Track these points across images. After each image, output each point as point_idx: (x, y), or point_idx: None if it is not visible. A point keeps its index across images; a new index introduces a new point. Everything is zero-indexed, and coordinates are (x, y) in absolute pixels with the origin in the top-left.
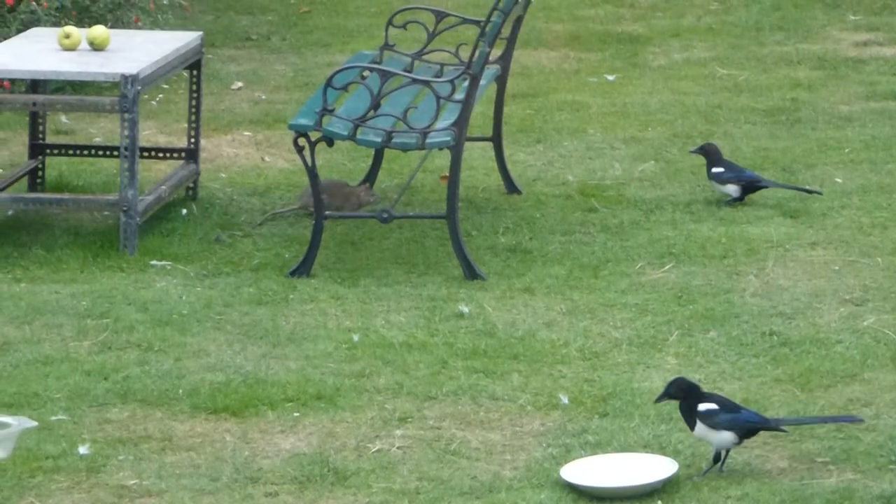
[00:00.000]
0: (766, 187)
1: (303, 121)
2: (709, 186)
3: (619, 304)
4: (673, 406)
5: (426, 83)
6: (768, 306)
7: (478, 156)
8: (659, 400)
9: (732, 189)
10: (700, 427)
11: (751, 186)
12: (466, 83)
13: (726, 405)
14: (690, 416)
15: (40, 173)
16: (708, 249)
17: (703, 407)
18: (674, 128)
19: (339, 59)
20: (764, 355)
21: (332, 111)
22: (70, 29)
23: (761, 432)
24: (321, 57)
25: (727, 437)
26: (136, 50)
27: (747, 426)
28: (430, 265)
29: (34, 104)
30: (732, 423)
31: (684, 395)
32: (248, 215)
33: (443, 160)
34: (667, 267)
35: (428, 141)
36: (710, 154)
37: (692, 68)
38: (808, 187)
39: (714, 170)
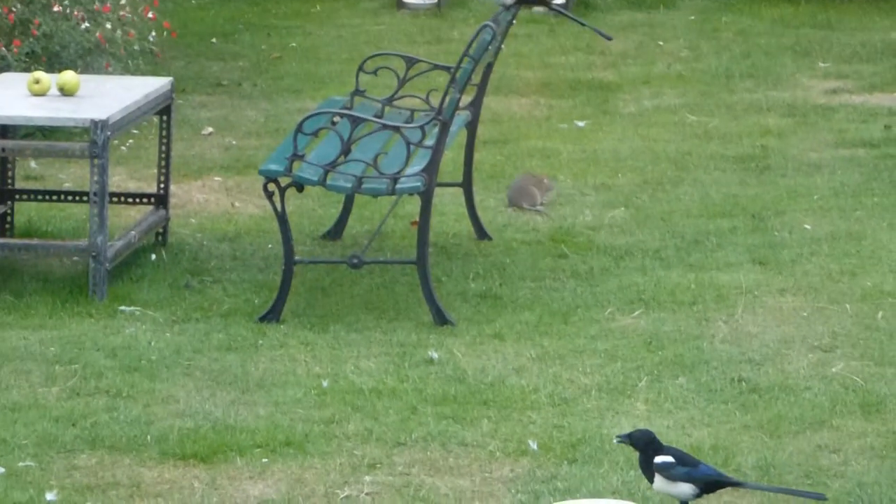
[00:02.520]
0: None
1: (273, 166)
2: (680, 232)
3: (589, 350)
4: None
5: (396, 129)
6: (737, 353)
7: (448, 201)
8: (620, 439)
9: (687, 489)
10: (658, 480)
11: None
12: (437, 129)
13: (683, 459)
14: (649, 470)
15: (9, 218)
16: (677, 296)
17: (658, 459)
18: (644, 174)
19: (310, 104)
20: (733, 401)
21: (302, 157)
22: (40, 74)
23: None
24: (292, 103)
25: (686, 489)
26: (107, 95)
27: (704, 479)
28: (399, 311)
29: (3, 149)
30: (688, 475)
31: (643, 447)
32: (217, 261)
33: (413, 206)
34: (636, 313)
35: (398, 186)
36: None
37: (662, 115)
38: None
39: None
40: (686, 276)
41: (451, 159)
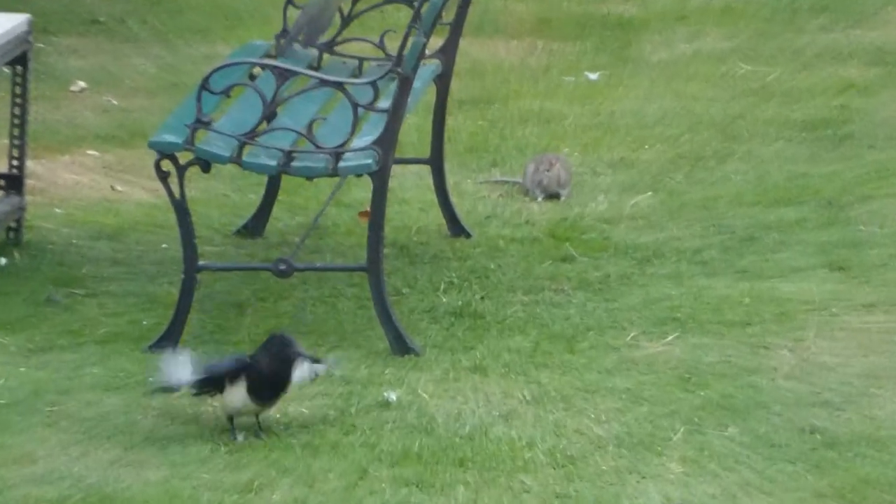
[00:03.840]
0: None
1: (169, 137)
2: (728, 226)
3: (604, 390)
4: None
5: (339, 86)
6: (808, 392)
7: (411, 185)
8: None
9: None
10: None
11: None
12: (394, 85)
13: None
14: None
15: None
16: (725, 314)
17: None
18: (679, 146)
19: (221, 51)
20: (802, 460)
21: (208, 124)
22: None
23: None
24: (195, 48)
25: None
26: None
27: None
28: (344, 335)
29: None
30: None
31: None
32: (92, 266)
33: (362, 191)
34: (669, 338)
35: (342, 164)
36: None
37: (704, 64)
38: None
39: None
40: (737, 287)
41: (416, 127)
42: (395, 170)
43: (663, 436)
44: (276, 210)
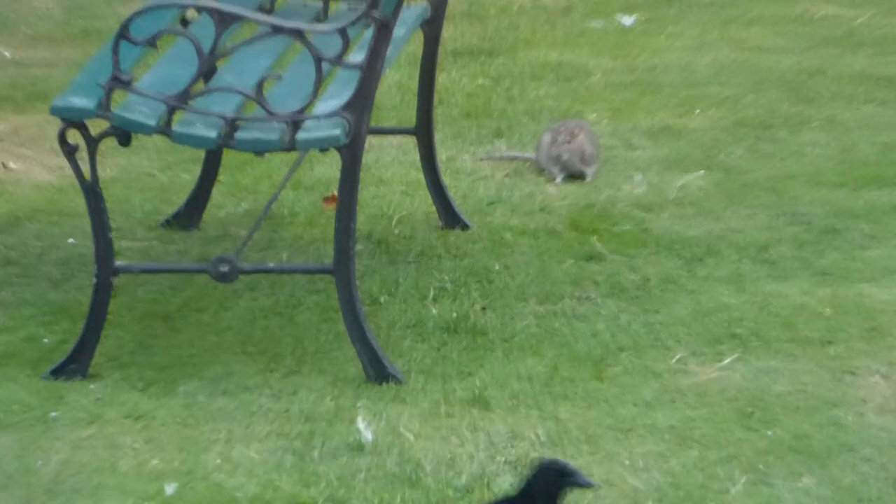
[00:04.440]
0: None
1: (77, 100)
2: (803, 214)
3: (643, 427)
4: None
5: (298, 34)
6: None
7: (393, 161)
8: None
9: None
10: None
11: None
12: (369, 33)
13: None
14: None
15: None
16: (800, 329)
17: None
18: (738, 111)
19: None
20: None
21: (128, 83)
22: None
23: None
24: None
25: None
26: None
27: None
28: (304, 357)
29: None
30: None
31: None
32: None
33: (329, 168)
34: (726, 360)
35: (301, 136)
36: None
37: (771, 4)
38: None
39: None
40: (815, 293)
41: (397, 86)
42: (372, 142)
43: (719, 487)
44: (216, 194)
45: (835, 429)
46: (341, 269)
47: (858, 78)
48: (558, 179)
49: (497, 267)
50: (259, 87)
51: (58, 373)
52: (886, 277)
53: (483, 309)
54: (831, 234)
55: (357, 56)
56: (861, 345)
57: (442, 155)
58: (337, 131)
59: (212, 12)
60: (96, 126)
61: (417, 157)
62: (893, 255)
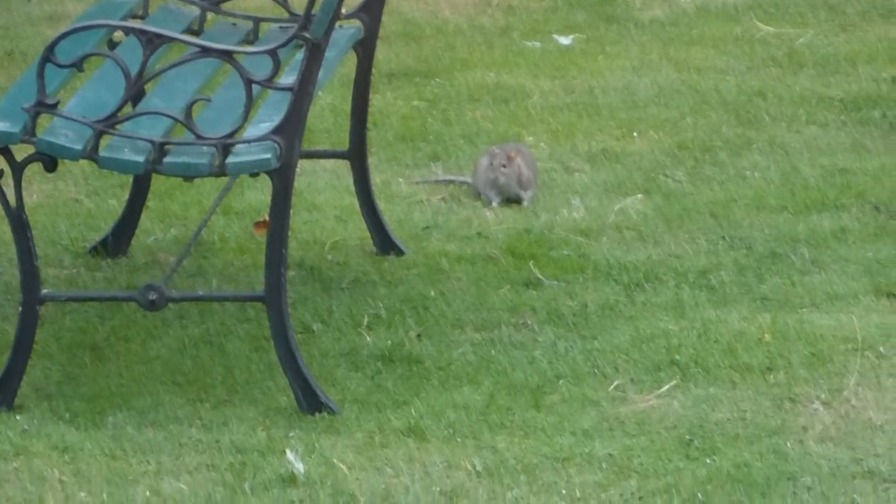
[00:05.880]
0: None
1: (1, 125)
2: (744, 238)
3: (580, 457)
4: None
5: (227, 55)
6: (848, 460)
7: (326, 186)
8: None
9: None
10: None
11: None
12: (301, 54)
13: None
14: None
15: None
16: (740, 355)
17: None
18: (679, 133)
19: (72, 9)
20: None
21: (54, 107)
22: None
23: None
24: (37, 5)
25: None
26: None
27: None
28: (235, 387)
29: None
30: None
31: None
32: None
33: (260, 194)
34: (665, 388)
35: (231, 160)
36: None
37: (713, 24)
38: None
39: None
40: (756, 319)
41: (330, 109)
42: (304, 166)
43: None
44: (145, 220)
45: (775, 457)
46: (273, 296)
47: (800, 99)
48: (495, 203)
49: (433, 293)
50: (188, 110)
51: None
52: (827, 303)
53: (419, 337)
54: (772, 259)
55: (288, 78)
56: (802, 371)
57: (376, 179)
58: (268, 155)
59: (139, 34)
60: (21, 151)
61: (351, 181)
62: (834, 281)
